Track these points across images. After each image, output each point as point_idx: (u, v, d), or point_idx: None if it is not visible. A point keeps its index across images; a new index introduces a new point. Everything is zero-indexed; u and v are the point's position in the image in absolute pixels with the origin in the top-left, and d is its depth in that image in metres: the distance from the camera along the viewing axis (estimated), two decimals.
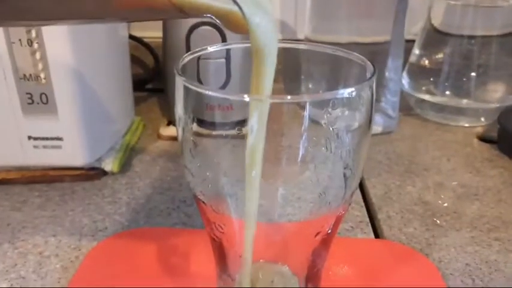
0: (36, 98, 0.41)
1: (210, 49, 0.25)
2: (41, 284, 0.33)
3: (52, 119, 0.41)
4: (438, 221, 0.40)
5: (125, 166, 0.48)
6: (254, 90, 0.19)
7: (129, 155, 0.50)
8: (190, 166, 0.22)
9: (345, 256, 0.35)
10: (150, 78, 0.66)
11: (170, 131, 0.55)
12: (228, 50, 0.45)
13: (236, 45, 0.35)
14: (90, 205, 0.42)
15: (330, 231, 0.23)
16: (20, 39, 0.39)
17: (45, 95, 0.41)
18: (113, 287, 0.32)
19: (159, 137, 0.54)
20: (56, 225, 0.39)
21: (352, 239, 0.38)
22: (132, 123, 0.54)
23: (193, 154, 0.22)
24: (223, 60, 0.47)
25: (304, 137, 0.22)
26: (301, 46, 0.26)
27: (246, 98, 0.19)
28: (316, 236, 0.23)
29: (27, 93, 0.41)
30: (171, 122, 0.56)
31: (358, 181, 0.25)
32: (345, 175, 0.23)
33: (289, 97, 0.19)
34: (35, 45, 0.39)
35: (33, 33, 0.39)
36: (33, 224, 0.39)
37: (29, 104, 0.41)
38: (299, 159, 0.23)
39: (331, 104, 0.20)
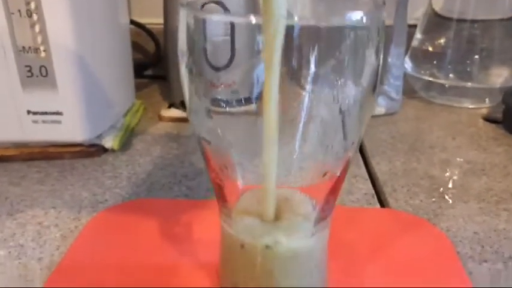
0: (36, 70, 0.40)
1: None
2: (39, 252, 0.32)
3: (51, 93, 0.41)
4: (445, 194, 0.40)
5: (126, 145, 0.47)
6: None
7: (129, 135, 0.49)
8: (196, 107, 0.22)
9: (353, 225, 0.34)
10: (151, 63, 0.66)
11: (171, 112, 0.54)
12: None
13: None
14: (90, 180, 0.41)
15: (339, 174, 0.23)
16: (19, 10, 0.38)
17: (45, 67, 0.40)
18: (112, 254, 0.31)
19: (160, 118, 0.54)
20: (56, 198, 0.38)
21: (359, 208, 0.37)
22: (133, 105, 0.53)
23: (199, 96, 0.21)
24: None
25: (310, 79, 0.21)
26: None
27: (253, 19, 0.18)
28: (324, 175, 0.22)
29: (26, 66, 0.40)
30: (172, 105, 0.56)
31: (361, 129, 0.24)
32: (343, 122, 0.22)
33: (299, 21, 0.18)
34: (34, 17, 0.39)
35: (33, 5, 0.38)
36: (32, 197, 0.38)
37: (28, 77, 0.40)
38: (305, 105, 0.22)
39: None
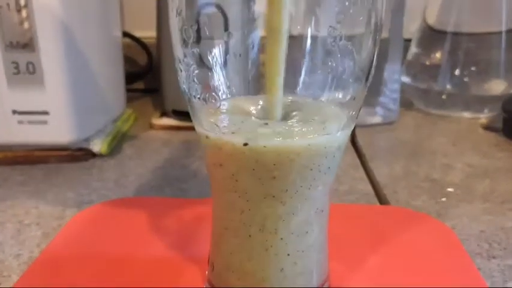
0: (23, 67, 0.39)
1: None
2: (18, 249, 0.30)
3: (38, 91, 0.39)
4: (448, 195, 0.38)
5: (115, 150, 0.45)
6: None
7: (119, 141, 0.47)
8: (183, 57, 0.20)
9: (354, 222, 0.32)
10: (144, 74, 0.65)
11: (163, 121, 0.53)
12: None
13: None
14: (76, 181, 0.39)
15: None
16: (7, 4, 0.37)
17: (32, 64, 0.39)
18: (94, 248, 0.28)
19: (152, 126, 0.52)
20: (39, 198, 0.36)
21: (361, 205, 0.36)
22: (124, 113, 0.52)
23: (191, 47, 0.20)
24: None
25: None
26: None
27: None
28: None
29: (13, 62, 0.39)
30: (164, 114, 0.54)
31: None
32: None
33: None
34: (24, 12, 0.38)
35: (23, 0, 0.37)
36: (14, 197, 0.36)
37: (15, 74, 0.39)
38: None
39: None
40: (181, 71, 0.20)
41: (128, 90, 0.54)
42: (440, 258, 0.28)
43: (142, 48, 0.64)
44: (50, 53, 0.39)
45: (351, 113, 0.21)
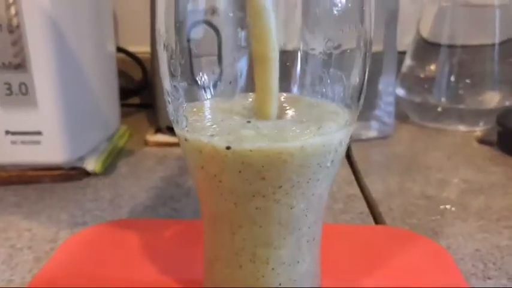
0: (15, 88, 0.39)
1: None
2: (10, 274, 0.29)
3: (31, 112, 0.39)
4: (443, 212, 0.38)
5: (109, 168, 0.45)
6: None
7: (114, 159, 0.47)
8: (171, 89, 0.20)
9: (348, 243, 0.32)
10: (138, 90, 0.65)
11: (158, 137, 0.53)
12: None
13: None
14: (69, 202, 0.39)
15: None
16: (0, 25, 0.37)
17: (25, 85, 0.39)
18: (88, 274, 0.28)
19: (146, 143, 0.52)
20: (32, 220, 0.36)
21: (355, 225, 0.35)
22: (118, 130, 0.52)
23: (176, 77, 0.20)
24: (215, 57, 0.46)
25: None
26: None
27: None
28: None
29: (5, 83, 0.39)
30: (158, 131, 0.54)
31: None
32: None
33: None
34: (16, 33, 0.38)
35: (15, 20, 0.37)
36: (7, 220, 0.36)
37: (7, 95, 0.39)
38: None
39: None
40: (169, 103, 0.20)
41: (123, 105, 0.54)
42: (434, 280, 0.28)
43: (137, 63, 0.64)
44: (42, 73, 0.38)
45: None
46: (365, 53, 0.21)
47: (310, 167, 0.19)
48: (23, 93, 0.39)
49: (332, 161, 0.20)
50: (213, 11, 0.20)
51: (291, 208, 0.20)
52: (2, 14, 0.37)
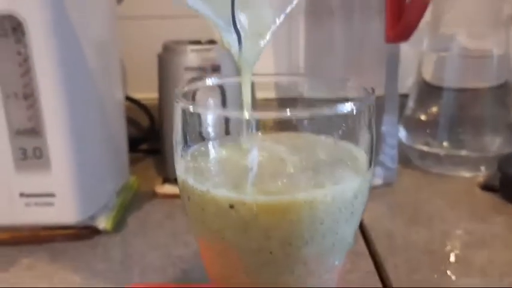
0: (30, 153, 0.40)
1: (209, 81, 0.25)
2: None
3: (45, 175, 0.40)
4: (447, 269, 0.39)
5: (119, 224, 0.46)
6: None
7: (123, 213, 0.48)
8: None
9: None
10: (145, 138, 0.66)
11: (166, 189, 0.54)
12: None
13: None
14: (81, 263, 0.40)
15: None
16: (15, 93, 0.39)
17: (39, 149, 0.40)
18: None
19: (155, 195, 0.53)
20: (45, 284, 0.37)
21: None
22: (127, 182, 0.53)
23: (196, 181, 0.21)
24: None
25: None
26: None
27: (246, 115, 0.18)
28: None
29: (20, 148, 0.40)
30: (166, 180, 0.55)
31: None
32: None
33: (288, 113, 0.18)
34: (31, 99, 0.39)
35: (29, 88, 0.39)
36: (21, 282, 0.37)
37: (22, 159, 0.40)
38: None
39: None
40: (179, 162, 0.21)
41: (130, 151, 0.55)
42: None
43: (143, 111, 0.65)
44: (56, 138, 0.40)
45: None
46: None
47: (324, 223, 0.19)
48: (37, 157, 0.40)
49: (352, 212, 0.20)
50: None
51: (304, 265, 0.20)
52: (17, 81, 0.39)
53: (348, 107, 0.18)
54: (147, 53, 0.56)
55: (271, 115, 0.19)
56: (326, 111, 0.18)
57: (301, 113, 0.19)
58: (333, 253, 0.21)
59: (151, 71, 0.55)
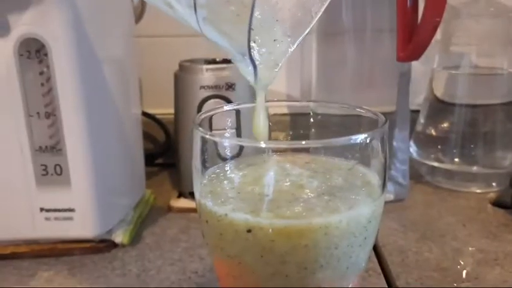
0: (51, 169, 0.41)
1: (226, 107, 0.26)
2: None
3: (65, 190, 0.42)
4: (460, 285, 0.39)
5: (135, 238, 0.47)
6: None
7: (139, 227, 0.49)
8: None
9: None
10: (161, 153, 0.67)
11: (181, 203, 0.55)
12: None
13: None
14: (99, 278, 0.41)
15: None
16: (38, 112, 0.40)
17: (60, 166, 0.41)
18: None
19: (170, 209, 0.54)
20: None
21: None
22: (143, 196, 0.54)
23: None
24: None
25: None
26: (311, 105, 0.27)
27: (262, 144, 0.19)
28: None
29: (41, 165, 0.41)
30: (181, 195, 0.56)
31: None
32: None
33: (302, 143, 0.19)
34: (52, 118, 0.40)
35: (51, 107, 0.40)
36: None
37: (43, 175, 0.41)
38: None
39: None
40: (196, 179, 0.22)
41: (146, 166, 0.56)
42: None
43: (159, 126, 0.66)
44: (76, 155, 0.41)
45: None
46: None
47: (339, 248, 0.20)
48: (58, 174, 0.41)
49: (365, 237, 0.21)
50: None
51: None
52: (39, 101, 0.40)
53: (361, 137, 0.19)
54: (164, 70, 0.58)
55: (285, 145, 0.20)
56: (340, 141, 0.19)
57: (315, 143, 0.19)
58: (347, 276, 0.21)
59: (168, 87, 0.56)
